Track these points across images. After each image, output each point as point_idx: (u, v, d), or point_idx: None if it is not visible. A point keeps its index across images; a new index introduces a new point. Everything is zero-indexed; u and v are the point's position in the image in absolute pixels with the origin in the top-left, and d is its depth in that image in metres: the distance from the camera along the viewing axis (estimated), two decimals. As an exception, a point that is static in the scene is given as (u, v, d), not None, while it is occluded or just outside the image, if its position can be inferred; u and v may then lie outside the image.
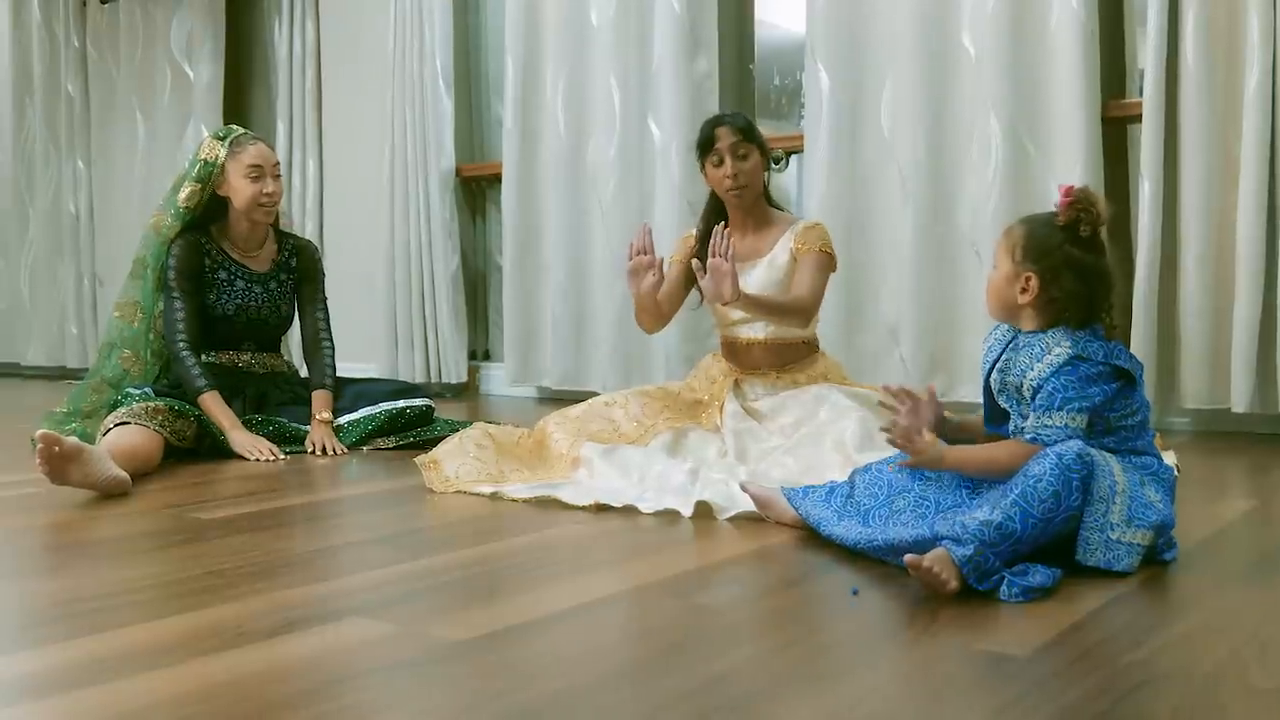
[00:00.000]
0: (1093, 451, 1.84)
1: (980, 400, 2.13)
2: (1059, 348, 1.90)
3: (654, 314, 3.10)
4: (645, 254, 2.95)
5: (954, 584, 1.68)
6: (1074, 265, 1.91)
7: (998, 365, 2.02)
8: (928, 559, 1.69)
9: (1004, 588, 1.69)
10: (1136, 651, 1.45)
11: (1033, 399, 1.90)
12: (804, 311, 2.98)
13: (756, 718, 1.24)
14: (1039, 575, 1.71)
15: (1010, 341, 2.02)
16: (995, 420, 2.07)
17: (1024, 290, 1.94)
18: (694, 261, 2.86)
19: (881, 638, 1.56)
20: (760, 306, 2.90)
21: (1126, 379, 1.91)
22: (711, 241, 2.77)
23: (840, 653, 1.50)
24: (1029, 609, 1.63)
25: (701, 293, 3.09)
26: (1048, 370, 1.88)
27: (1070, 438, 1.84)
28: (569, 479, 2.69)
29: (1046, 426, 1.86)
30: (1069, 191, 1.93)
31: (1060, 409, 1.86)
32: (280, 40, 6.04)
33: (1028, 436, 1.88)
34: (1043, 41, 3.72)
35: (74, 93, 6.91)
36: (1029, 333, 1.97)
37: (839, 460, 2.64)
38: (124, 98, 6.65)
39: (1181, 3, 3.48)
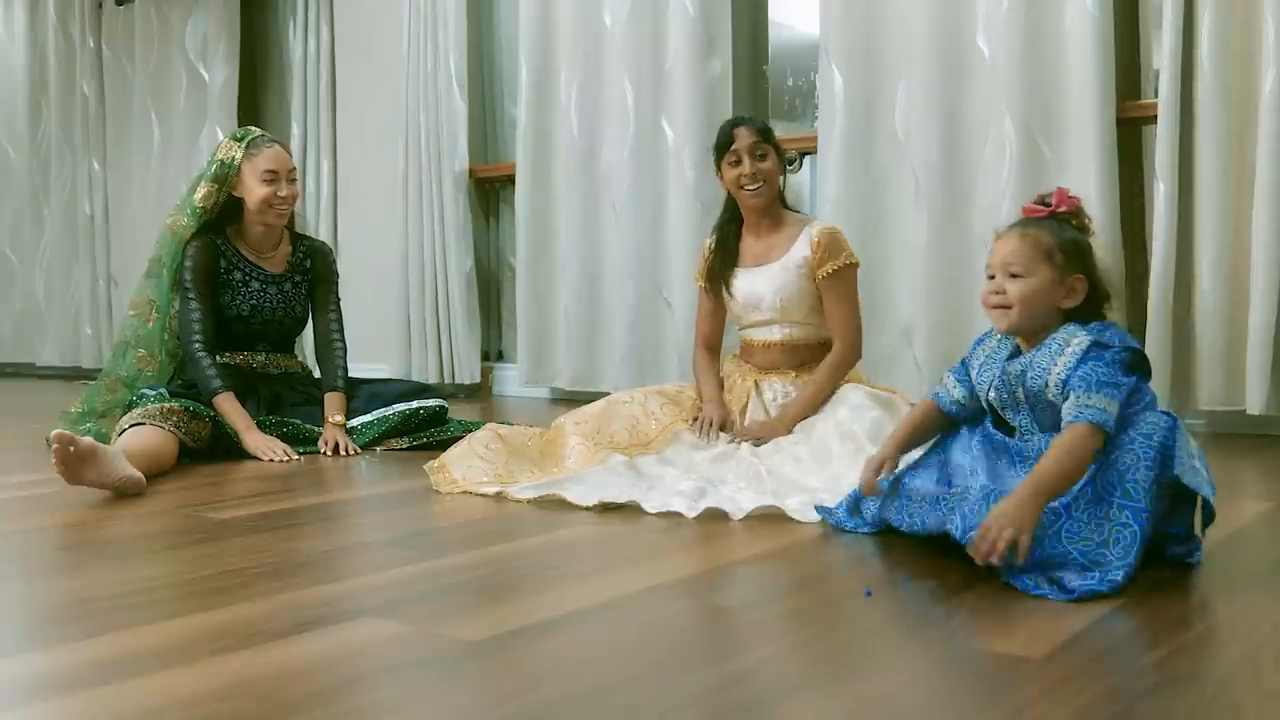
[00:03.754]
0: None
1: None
2: (1075, 339, 1.91)
3: (719, 351, 3.25)
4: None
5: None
6: (1096, 260, 1.99)
7: (994, 384, 2.03)
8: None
9: (1049, 588, 1.70)
10: (1152, 654, 1.44)
11: (1062, 390, 1.89)
12: (848, 362, 3.05)
13: (773, 718, 1.23)
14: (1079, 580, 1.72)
15: (1009, 356, 2.03)
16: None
17: (1070, 294, 1.96)
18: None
19: (896, 639, 1.56)
20: (815, 404, 2.95)
21: (1142, 370, 1.91)
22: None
23: (855, 653, 1.49)
24: (1044, 611, 1.63)
25: (728, 288, 3.13)
26: (1073, 360, 1.89)
27: (1106, 422, 1.83)
28: (575, 474, 2.69)
29: (1089, 406, 1.84)
30: (1067, 194, 2.00)
31: (1098, 391, 1.84)
32: (295, 42, 6.06)
33: (1072, 416, 1.85)
34: (1057, 42, 3.71)
35: (89, 94, 6.94)
36: (1035, 345, 1.98)
37: (850, 449, 2.65)
38: (139, 99, 6.67)
39: (1197, 4, 3.46)
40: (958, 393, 2.16)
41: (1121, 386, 1.85)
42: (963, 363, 2.17)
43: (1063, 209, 2.01)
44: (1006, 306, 1.97)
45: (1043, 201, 2.03)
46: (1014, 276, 1.96)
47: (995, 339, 2.11)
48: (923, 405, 2.23)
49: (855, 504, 2.22)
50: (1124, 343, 1.91)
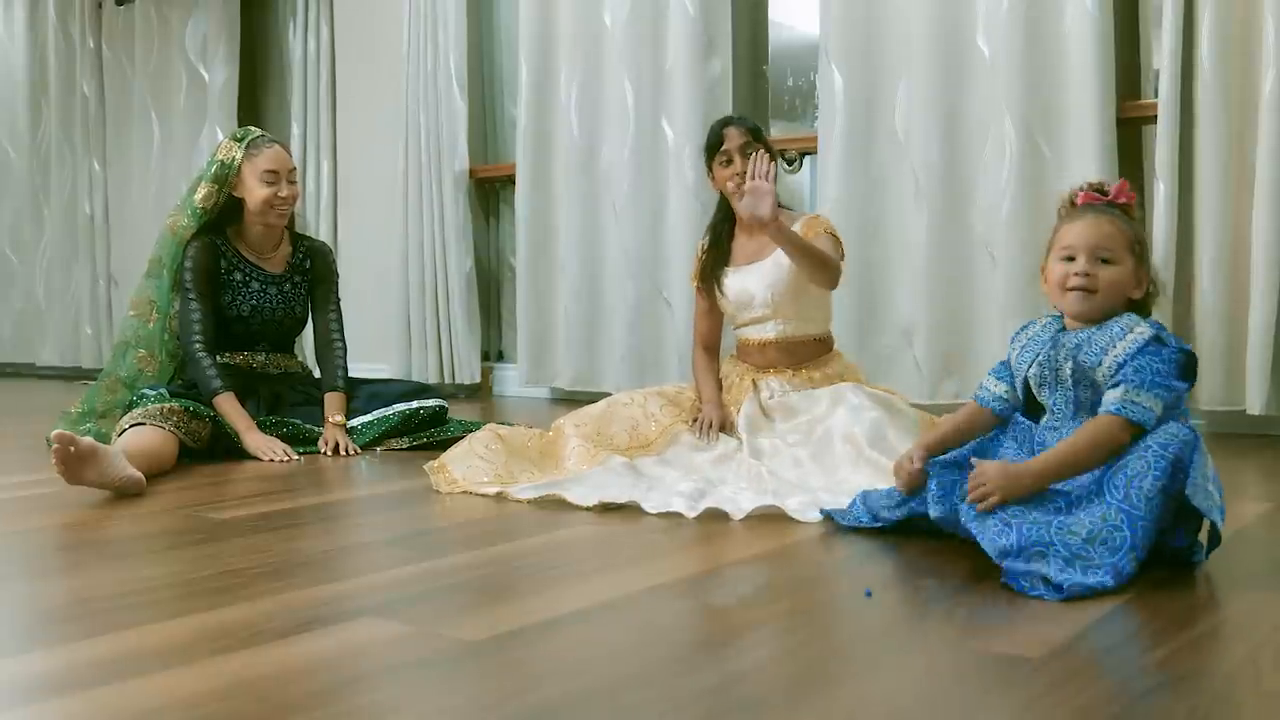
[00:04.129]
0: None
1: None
2: (1139, 328, 1.90)
3: (718, 352, 3.24)
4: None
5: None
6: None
7: (1036, 359, 2.01)
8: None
9: (1044, 589, 1.70)
10: (1152, 654, 1.44)
11: (1114, 374, 1.89)
12: (829, 263, 2.93)
13: (772, 718, 1.23)
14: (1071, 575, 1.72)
15: (1057, 333, 2.01)
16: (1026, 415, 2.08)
17: (1138, 286, 1.97)
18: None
19: (896, 639, 1.56)
20: (791, 241, 2.86)
21: (1191, 376, 1.91)
22: (750, 165, 2.85)
23: (854, 654, 1.49)
24: (1044, 611, 1.63)
25: (720, 287, 3.11)
26: (1132, 347, 1.88)
27: (1146, 421, 1.83)
28: (575, 475, 2.70)
29: (1134, 403, 1.83)
30: (1127, 187, 2.00)
31: (1149, 390, 1.84)
32: (295, 42, 6.06)
33: (1113, 408, 1.84)
34: (1057, 42, 3.71)
35: (89, 94, 6.94)
36: (1092, 325, 1.97)
37: (850, 453, 2.65)
38: (139, 99, 6.67)
39: (1197, 4, 3.46)
40: (1000, 389, 2.12)
41: (1173, 390, 1.85)
42: (1002, 363, 2.15)
43: (1122, 200, 2.00)
44: (1092, 290, 1.95)
45: (1101, 190, 2.02)
46: (1105, 262, 1.95)
47: (1039, 325, 2.09)
48: (967, 408, 2.18)
49: (865, 502, 2.21)
50: (1180, 344, 1.91)
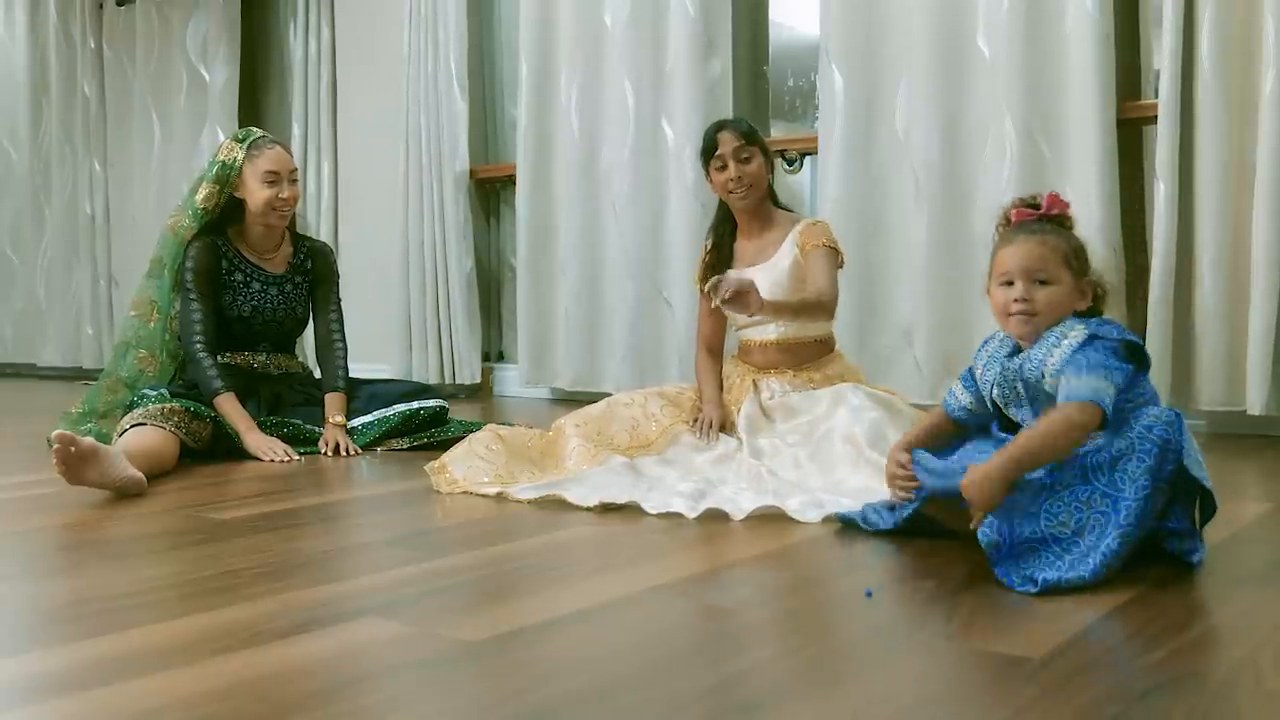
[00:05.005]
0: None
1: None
2: (1073, 332, 1.92)
3: (720, 353, 3.21)
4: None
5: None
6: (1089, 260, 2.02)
7: (997, 380, 2.03)
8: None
9: (1027, 584, 1.71)
10: (1152, 654, 1.44)
11: (1057, 377, 1.89)
12: (823, 305, 2.96)
13: (772, 719, 1.23)
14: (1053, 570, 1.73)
15: (1011, 352, 2.03)
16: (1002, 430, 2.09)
17: (1083, 297, 1.98)
18: (710, 284, 2.87)
19: (896, 640, 1.56)
20: (783, 310, 2.91)
21: (1138, 360, 1.91)
22: (709, 293, 2.71)
23: (854, 655, 1.49)
24: (1044, 611, 1.63)
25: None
26: (1069, 350, 1.89)
27: (1099, 399, 1.82)
28: (575, 475, 2.70)
29: (1078, 389, 1.83)
30: (1058, 198, 2.01)
31: (1089, 373, 1.84)
32: (296, 43, 6.06)
33: (1061, 397, 1.85)
34: (1058, 43, 3.71)
35: (90, 94, 6.94)
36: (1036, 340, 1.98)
37: (850, 453, 2.65)
38: (140, 100, 6.67)
39: (1197, 4, 3.46)
40: (965, 398, 2.14)
41: (1114, 370, 1.85)
42: (969, 370, 2.16)
43: (1055, 212, 2.02)
44: (1032, 314, 1.96)
45: (1033, 204, 2.03)
46: (1041, 284, 1.96)
47: (997, 341, 2.11)
48: (935, 412, 2.21)
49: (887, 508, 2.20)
50: (1121, 335, 1.92)
